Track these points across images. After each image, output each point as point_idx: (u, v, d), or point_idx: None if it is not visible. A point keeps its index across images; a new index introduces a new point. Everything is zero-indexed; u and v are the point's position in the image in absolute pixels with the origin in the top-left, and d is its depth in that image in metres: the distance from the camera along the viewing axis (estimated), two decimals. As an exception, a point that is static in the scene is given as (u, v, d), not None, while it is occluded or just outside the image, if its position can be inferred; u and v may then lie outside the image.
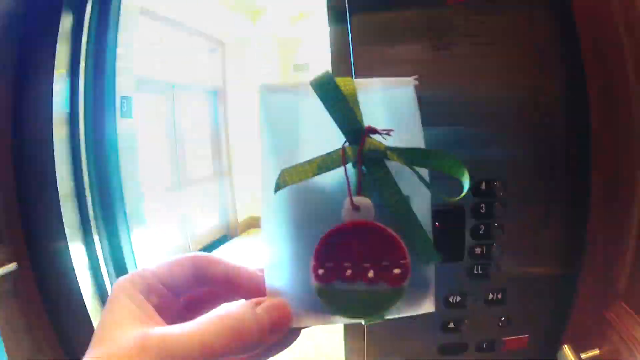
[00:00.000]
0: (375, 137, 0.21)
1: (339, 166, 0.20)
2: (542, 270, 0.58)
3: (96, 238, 0.62)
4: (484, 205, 0.53)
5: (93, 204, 0.61)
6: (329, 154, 0.21)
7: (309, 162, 0.21)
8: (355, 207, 0.20)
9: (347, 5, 0.50)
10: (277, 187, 0.20)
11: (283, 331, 0.21)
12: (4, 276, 0.62)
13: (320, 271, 0.20)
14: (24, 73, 0.70)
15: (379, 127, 0.21)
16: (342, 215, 0.21)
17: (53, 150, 0.59)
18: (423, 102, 0.50)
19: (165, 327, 0.19)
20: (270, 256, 0.21)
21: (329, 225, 0.20)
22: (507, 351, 0.59)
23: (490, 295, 0.56)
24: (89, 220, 0.60)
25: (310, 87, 0.20)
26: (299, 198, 0.21)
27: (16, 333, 0.69)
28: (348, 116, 0.20)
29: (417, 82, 0.22)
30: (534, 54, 0.53)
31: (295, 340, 0.23)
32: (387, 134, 0.21)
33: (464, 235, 0.53)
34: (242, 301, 0.21)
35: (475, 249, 0.54)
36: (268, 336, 0.20)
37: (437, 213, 0.51)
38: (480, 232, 0.54)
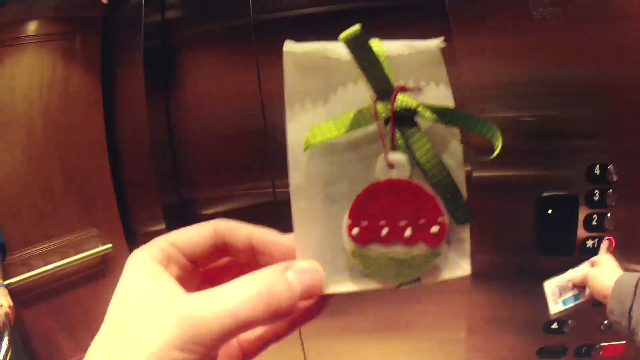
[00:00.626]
0: (406, 94, 0.20)
1: (370, 123, 0.20)
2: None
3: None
4: (597, 192, 0.49)
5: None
6: (359, 110, 0.20)
7: (339, 119, 0.20)
8: (390, 165, 0.20)
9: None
10: (307, 146, 0.20)
11: (315, 296, 0.19)
12: (100, 257, 0.65)
13: (355, 230, 0.20)
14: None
15: (408, 86, 0.20)
16: (376, 173, 0.20)
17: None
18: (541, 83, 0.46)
19: (189, 296, 0.18)
20: (300, 218, 0.20)
21: (361, 184, 0.20)
22: (602, 358, 0.55)
23: (598, 296, 0.52)
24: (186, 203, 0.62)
25: (336, 44, 0.20)
26: (329, 158, 0.20)
27: (104, 312, 0.72)
28: (379, 73, 0.20)
29: (443, 44, 0.21)
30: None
31: (325, 308, 0.22)
32: (419, 90, 0.20)
33: (576, 227, 0.49)
34: (271, 266, 0.19)
35: (587, 242, 0.50)
36: (299, 302, 0.19)
37: (548, 199, 0.50)
38: (593, 222, 0.50)
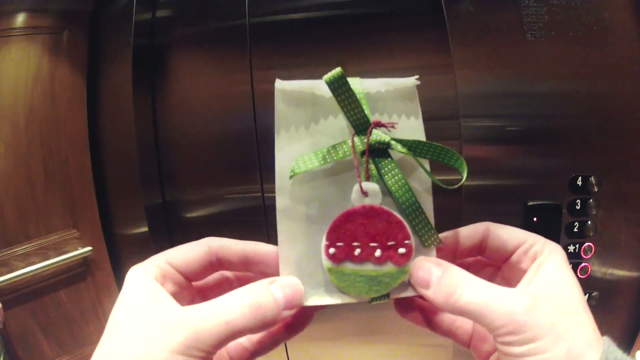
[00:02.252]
0: (381, 129, 0.23)
1: (348, 155, 0.22)
2: (627, 273, 0.54)
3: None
4: (579, 201, 0.50)
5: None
6: (339, 143, 0.22)
7: (321, 151, 0.22)
8: (364, 192, 0.22)
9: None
10: (292, 174, 0.22)
11: (296, 307, 0.22)
12: (80, 259, 0.64)
13: (331, 250, 0.22)
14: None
15: (384, 121, 0.23)
16: (352, 199, 0.22)
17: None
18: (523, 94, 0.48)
19: (188, 307, 0.20)
20: (284, 237, 0.23)
21: (338, 209, 0.22)
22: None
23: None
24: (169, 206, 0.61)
25: (321, 84, 0.22)
26: (311, 184, 0.23)
27: (84, 314, 0.71)
28: (357, 110, 0.22)
29: (418, 82, 0.24)
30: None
31: (309, 322, 0.24)
32: (392, 127, 0.22)
33: (559, 234, 0.51)
34: (257, 282, 0.22)
35: (569, 247, 0.51)
36: (283, 312, 0.21)
37: (534, 208, 0.51)
38: (575, 229, 0.51)
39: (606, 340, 0.20)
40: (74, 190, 0.72)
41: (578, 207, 0.51)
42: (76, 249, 0.71)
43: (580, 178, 0.50)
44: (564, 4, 0.53)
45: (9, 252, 0.70)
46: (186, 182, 0.56)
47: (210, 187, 0.55)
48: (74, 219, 0.72)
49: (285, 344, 0.59)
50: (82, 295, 0.72)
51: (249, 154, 0.52)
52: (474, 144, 0.48)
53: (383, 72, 0.51)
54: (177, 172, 0.56)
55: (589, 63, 0.51)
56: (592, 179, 0.50)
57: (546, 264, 0.21)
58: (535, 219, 0.49)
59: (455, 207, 0.47)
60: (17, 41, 0.79)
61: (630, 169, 0.52)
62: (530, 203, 0.49)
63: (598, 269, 0.53)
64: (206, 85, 0.57)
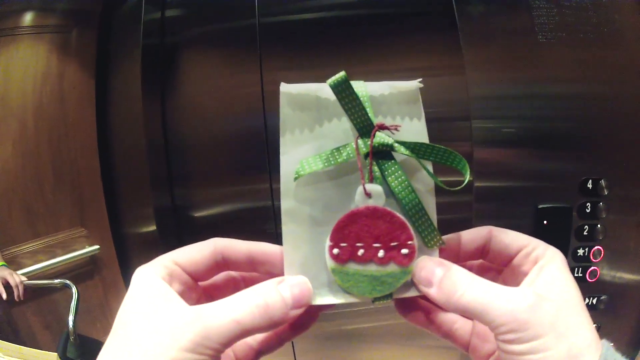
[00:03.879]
0: (385, 132, 0.23)
1: (352, 157, 0.22)
2: (636, 277, 0.54)
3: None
4: (589, 204, 0.50)
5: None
6: (343, 146, 0.23)
7: (325, 153, 0.22)
8: (368, 194, 0.22)
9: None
10: (297, 175, 0.22)
11: (304, 306, 0.22)
12: (88, 257, 0.64)
13: (335, 251, 0.22)
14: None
15: (387, 124, 0.23)
16: (355, 201, 0.22)
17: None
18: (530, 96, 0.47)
19: (198, 306, 0.20)
20: (288, 238, 0.23)
21: (342, 210, 0.22)
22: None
23: (586, 300, 0.53)
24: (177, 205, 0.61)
25: (326, 87, 0.22)
26: (315, 186, 0.23)
27: (91, 312, 0.71)
28: (361, 113, 0.22)
29: (421, 85, 0.24)
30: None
31: (314, 321, 0.24)
32: (395, 129, 0.23)
33: (569, 237, 0.50)
34: (266, 281, 0.22)
35: (579, 251, 0.51)
36: (291, 311, 0.21)
37: (544, 211, 0.51)
38: (584, 232, 0.51)
39: (605, 343, 0.20)
40: (82, 189, 0.72)
41: (588, 210, 0.51)
42: (84, 248, 0.71)
43: (590, 181, 0.50)
44: (575, 6, 0.53)
45: (16, 250, 0.71)
46: (195, 182, 0.57)
47: (220, 187, 0.55)
48: (82, 218, 0.73)
49: (293, 344, 0.60)
50: (90, 294, 0.72)
51: (258, 155, 0.52)
52: (485, 146, 0.48)
53: (394, 72, 0.51)
54: (186, 172, 0.56)
55: (601, 65, 0.51)
56: (603, 181, 0.50)
57: (547, 267, 0.22)
58: (545, 221, 0.49)
59: (466, 209, 0.47)
60: (26, 40, 0.79)
61: (640, 172, 0.51)
62: (541, 206, 0.49)
63: (607, 273, 0.53)
64: (216, 85, 0.57)
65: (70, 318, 0.61)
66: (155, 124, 0.59)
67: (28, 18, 0.80)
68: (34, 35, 0.80)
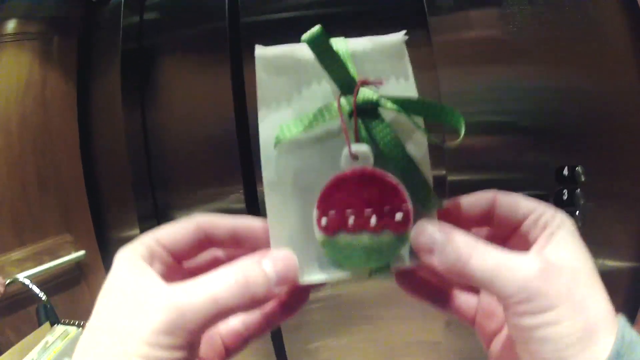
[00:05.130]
0: (370, 88, 0.21)
1: (334, 118, 0.21)
2: (616, 263, 0.55)
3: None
4: (566, 191, 0.51)
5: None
6: (325, 106, 0.21)
7: (306, 115, 0.21)
8: (354, 156, 0.20)
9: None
10: (277, 141, 0.20)
11: (289, 283, 0.20)
12: (74, 263, 0.64)
13: (324, 220, 0.20)
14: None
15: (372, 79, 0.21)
16: (342, 165, 0.21)
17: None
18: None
19: (173, 285, 0.19)
20: (273, 211, 0.21)
21: (329, 176, 0.20)
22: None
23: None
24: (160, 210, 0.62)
25: (304, 49, 0.21)
26: (298, 153, 0.21)
27: (79, 318, 0.71)
28: (341, 69, 0.21)
29: (406, 37, 0.22)
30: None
31: (304, 301, 0.23)
32: (380, 83, 0.21)
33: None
34: (247, 256, 0.20)
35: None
36: (275, 288, 0.20)
37: None
38: (562, 220, 0.51)
39: (621, 319, 0.18)
40: (67, 195, 0.72)
41: (565, 197, 0.51)
42: (70, 254, 0.71)
43: (566, 168, 0.50)
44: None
45: (3, 258, 0.71)
46: (176, 185, 0.57)
47: (199, 189, 0.55)
48: (68, 224, 0.73)
49: (283, 337, 0.60)
50: (77, 300, 0.72)
51: (232, 157, 0.52)
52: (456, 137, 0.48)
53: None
54: (166, 175, 0.57)
55: (576, 56, 0.51)
56: (579, 168, 0.50)
57: (558, 233, 0.20)
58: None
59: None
60: (8, 48, 0.79)
61: (617, 161, 0.52)
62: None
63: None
64: (194, 88, 0.57)
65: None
66: (135, 129, 0.59)
67: (10, 26, 0.80)
68: (17, 43, 0.80)
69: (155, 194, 0.56)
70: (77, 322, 0.61)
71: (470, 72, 0.49)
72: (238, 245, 0.23)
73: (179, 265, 0.23)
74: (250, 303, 0.19)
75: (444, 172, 0.50)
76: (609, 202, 0.52)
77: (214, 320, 0.18)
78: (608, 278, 0.54)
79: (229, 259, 0.24)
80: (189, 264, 0.24)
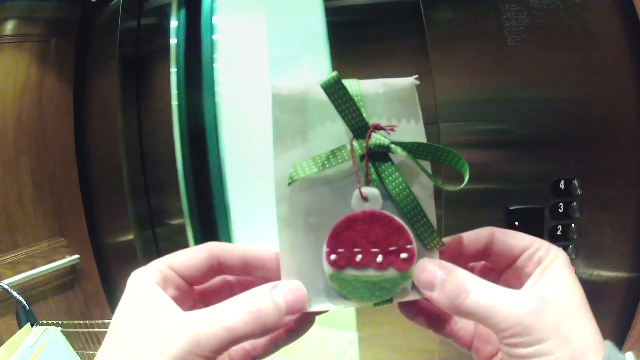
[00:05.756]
0: (380, 133, 0.22)
1: (347, 160, 0.22)
2: (612, 274, 0.55)
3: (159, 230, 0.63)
4: (562, 205, 0.51)
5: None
6: (337, 148, 0.22)
7: (319, 156, 0.22)
8: (364, 198, 0.22)
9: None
10: (291, 180, 0.21)
11: (298, 312, 0.21)
12: (68, 267, 0.64)
13: (333, 257, 0.22)
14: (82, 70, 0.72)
15: (383, 124, 0.22)
16: (352, 205, 0.22)
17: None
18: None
19: (189, 313, 0.20)
20: (284, 245, 0.22)
21: (339, 215, 0.22)
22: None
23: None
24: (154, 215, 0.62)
25: (318, 88, 0.22)
26: (310, 191, 0.22)
27: (74, 324, 0.71)
28: (355, 114, 0.22)
29: (417, 82, 0.23)
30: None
31: (310, 326, 0.24)
32: (391, 129, 0.22)
33: (542, 237, 0.51)
34: (259, 287, 0.21)
35: (552, 252, 0.51)
36: (285, 317, 0.21)
37: (517, 212, 0.51)
38: (558, 232, 0.51)
39: (608, 344, 0.20)
40: (62, 199, 0.72)
41: (561, 210, 0.51)
42: (64, 257, 0.71)
43: (562, 181, 0.50)
44: (546, 7, 0.53)
45: (-2, 260, 0.70)
46: (170, 190, 0.57)
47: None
48: (62, 228, 0.72)
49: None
50: (71, 304, 0.72)
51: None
52: (454, 149, 0.48)
53: (361, 79, 0.51)
54: (161, 180, 0.56)
55: (571, 67, 0.51)
56: (575, 181, 0.50)
57: (550, 268, 0.21)
58: (517, 222, 0.49)
59: (436, 213, 0.47)
60: (6, 49, 0.79)
61: (613, 172, 0.52)
62: (512, 207, 0.49)
63: (583, 271, 0.53)
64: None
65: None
66: (131, 134, 0.59)
67: (9, 27, 0.80)
68: (15, 45, 0.80)
69: (150, 200, 0.56)
70: (56, 322, 0.61)
71: (466, 83, 0.49)
72: (248, 274, 0.24)
73: (190, 289, 0.24)
74: (261, 331, 0.20)
75: (440, 182, 0.49)
76: (605, 213, 0.52)
77: (227, 347, 0.20)
78: (606, 289, 0.54)
79: (239, 282, 0.25)
80: (200, 287, 0.25)
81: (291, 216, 0.22)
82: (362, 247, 0.21)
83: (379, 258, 0.21)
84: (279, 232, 0.22)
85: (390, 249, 0.21)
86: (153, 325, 0.19)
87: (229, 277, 0.25)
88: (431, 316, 0.25)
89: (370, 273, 0.22)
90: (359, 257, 0.21)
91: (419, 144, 0.22)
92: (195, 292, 0.24)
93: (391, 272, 0.22)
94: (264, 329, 0.20)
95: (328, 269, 0.22)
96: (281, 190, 0.22)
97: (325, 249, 0.22)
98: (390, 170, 0.22)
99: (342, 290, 0.22)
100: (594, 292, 0.54)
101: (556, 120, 0.51)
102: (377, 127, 0.22)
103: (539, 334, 0.19)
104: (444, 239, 0.23)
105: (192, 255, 0.23)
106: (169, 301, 0.20)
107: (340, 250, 0.21)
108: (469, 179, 0.22)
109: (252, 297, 0.21)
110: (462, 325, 0.26)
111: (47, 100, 0.75)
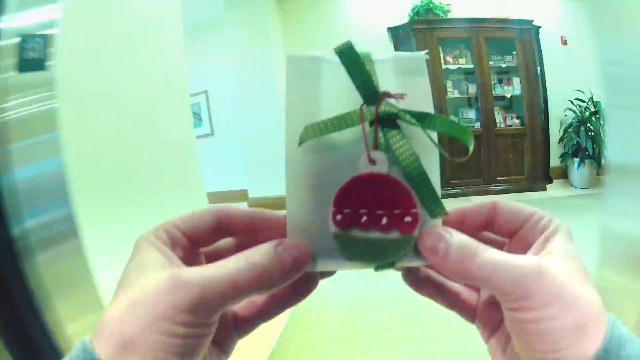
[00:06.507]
0: (390, 101, 0.23)
1: (356, 124, 0.22)
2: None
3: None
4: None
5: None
6: (348, 113, 0.23)
7: (330, 119, 0.22)
8: (372, 161, 0.22)
9: None
10: (301, 140, 0.22)
11: (302, 270, 0.22)
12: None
13: (338, 217, 0.22)
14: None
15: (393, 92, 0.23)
16: (360, 168, 0.22)
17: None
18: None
19: (196, 267, 0.20)
20: (292, 204, 0.23)
21: (347, 177, 0.22)
22: None
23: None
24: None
25: (332, 55, 0.23)
26: (319, 153, 0.23)
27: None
28: (366, 80, 0.22)
29: (427, 56, 0.24)
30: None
31: (315, 286, 0.24)
32: (401, 97, 0.23)
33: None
34: (265, 243, 0.22)
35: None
36: (288, 274, 0.21)
37: None
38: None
39: (611, 316, 0.20)
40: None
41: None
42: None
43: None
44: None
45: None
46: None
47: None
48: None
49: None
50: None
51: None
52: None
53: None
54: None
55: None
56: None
57: (553, 237, 0.22)
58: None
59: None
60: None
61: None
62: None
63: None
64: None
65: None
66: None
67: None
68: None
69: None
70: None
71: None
72: (255, 235, 0.24)
73: (196, 250, 0.24)
74: (266, 286, 0.21)
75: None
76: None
77: (232, 300, 0.20)
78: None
79: (244, 246, 0.25)
80: (206, 250, 0.25)
81: (300, 175, 0.23)
82: (367, 209, 0.22)
83: (384, 220, 0.22)
84: (287, 190, 0.23)
85: (395, 211, 0.22)
86: (160, 280, 0.19)
87: (234, 240, 0.26)
88: (436, 287, 0.26)
89: (375, 235, 0.22)
90: (364, 219, 0.22)
91: (427, 114, 0.23)
92: (202, 256, 0.25)
93: (395, 235, 0.22)
94: (269, 284, 0.21)
95: (333, 229, 0.22)
96: (291, 150, 0.22)
97: (331, 208, 0.22)
98: (398, 137, 0.22)
99: (346, 251, 0.22)
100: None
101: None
102: (387, 95, 0.22)
103: (542, 299, 0.19)
104: (448, 209, 0.23)
105: (199, 216, 0.23)
106: (175, 259, 0.21)
107: (347, 210, 0.22)
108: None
109: (258, 252, 0.21)
110: (467, 297, 0.26)
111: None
